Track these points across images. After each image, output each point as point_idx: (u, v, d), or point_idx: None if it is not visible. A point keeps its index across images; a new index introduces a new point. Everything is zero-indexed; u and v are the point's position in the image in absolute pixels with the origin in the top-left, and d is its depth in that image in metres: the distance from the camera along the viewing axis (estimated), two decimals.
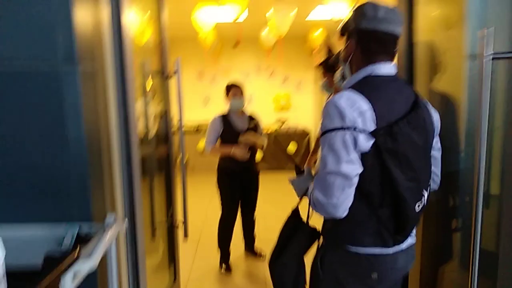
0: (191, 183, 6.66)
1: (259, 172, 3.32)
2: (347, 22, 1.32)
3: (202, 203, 5.02)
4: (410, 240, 1.33)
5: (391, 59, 1.29)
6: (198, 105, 7.76)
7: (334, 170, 1.16)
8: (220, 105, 7.83)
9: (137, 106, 1.84)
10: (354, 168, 1.15)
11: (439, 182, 1.44)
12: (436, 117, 1.35)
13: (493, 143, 1.50)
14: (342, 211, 1.20)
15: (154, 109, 2.34)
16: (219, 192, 3.24)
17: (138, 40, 2.11)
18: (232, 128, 3.12)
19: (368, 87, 1.22)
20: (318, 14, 5.47)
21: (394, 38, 1.26)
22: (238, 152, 3.03)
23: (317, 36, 5.98)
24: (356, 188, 1.19)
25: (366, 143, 1.15)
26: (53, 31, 1.40)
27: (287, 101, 7.96)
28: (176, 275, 2.56)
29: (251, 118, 3.25)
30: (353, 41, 1.30)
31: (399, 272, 1.34)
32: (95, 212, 1.54)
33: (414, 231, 1.35)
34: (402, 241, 1.28)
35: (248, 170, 3.21)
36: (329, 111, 1.19)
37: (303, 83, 8.03)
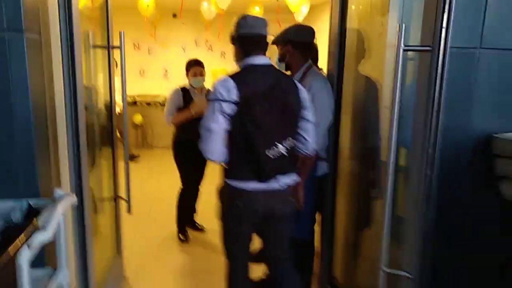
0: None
1: None
2: (232, 33, 1.87)
3: (138, 177, 5.00)
4: (275, 186, 1.79)
5: (263, 53, 1.83)
6: (134, 78, 7.51)
7: (204, 125, 1.73)
8: (156, 78, 7.73)
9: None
10: (217, 126, 1.70)
11: (309, 147, 1.89)
12: (303, 95, 1.85)
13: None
14: (210, 154, 1.75)
15: (97, 80, 2.32)
16: (178, 165, 3.28)
17: (83, 8, 2.07)
18: (191, 101, 3.17)
19: (240, 74, 1.79)
20: None
21: (261, 37, 1.82)
22: (197, 105, 3.05)
23: (256, 12, 6.06)
24: (230, 139, 1.75)
25: (229, 108, 1.69)
26: None
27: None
28: (119, 248, 2.62)
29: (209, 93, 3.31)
30: (237, 44, 1.85)
31: (266, 208, 1.80)
32: (42, 188, 1.56)
33: (282, 179, 1.80)
34: (265, 181, 1.75)
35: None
36: (212, 89, 1.76)
37: None
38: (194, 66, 3.21)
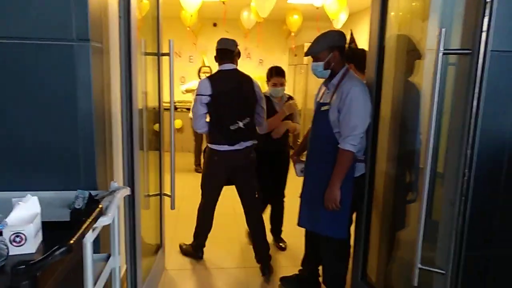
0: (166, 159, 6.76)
1: (289, 153, 3.26)
2: None
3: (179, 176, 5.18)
4: (238, 146, 2.76)
5: (230, 62, 2.76)
6: (175, 84, 7.80)
7: (193, 111, 2.77)
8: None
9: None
10: (199, 112, 2.72)
11: (263, 124, 2.96)
12: (257, 90, 2.86)
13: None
14: (198, 128, 2.79)
15: (149, 86, 2.49)
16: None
17: (139, 19, 2.23)
18: (273, 110, 3.14)
19: (215, 76, 2.81)
20: None
21: (229, 51, 2.75)
22: (284, 112, 3.10)
23: (295, 20, 6.15)
24: (210, 117, 2.74)
25: (205, 99, 2.67)
26: (69, 11, 1.53)
27: (262, 83, 8.13)
28: (162, 243, 2.77)
29: (289, 100, 3.26)
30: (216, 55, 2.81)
31: (235, 162, 2.81)
32: (99, 181, 1.71)
33: (243, 143, 2.77)
34: (232, 145, 2.73)
35: (281, 152, 3.26)
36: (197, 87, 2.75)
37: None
38: (275, 77, 3.17)
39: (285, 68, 8.53)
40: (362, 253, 2.34)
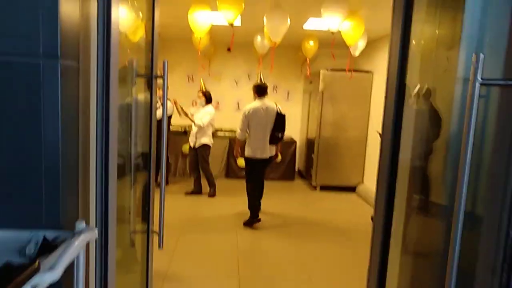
0: (171, 187, 6.54)
1: None
2: None
3: (180, 209, 4.91)
4: None
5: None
6: (187, 109, 7.67)
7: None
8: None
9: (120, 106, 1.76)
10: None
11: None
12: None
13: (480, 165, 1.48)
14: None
15: (140, 109, 2.26)
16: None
17: (128, 38, 2.05)
18: None
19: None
20: (314, 24, 5.47)
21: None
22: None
23: (311, 46, 5.97)
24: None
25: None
26: (36, 23, 1.32)
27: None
28: (148, 286, 2.46)
29: None
30: None
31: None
32: (66, 219, 1.46)
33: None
34: None
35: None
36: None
37: (292, 93, 8.02)
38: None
39: (299, 95, 8.39)
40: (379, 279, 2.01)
